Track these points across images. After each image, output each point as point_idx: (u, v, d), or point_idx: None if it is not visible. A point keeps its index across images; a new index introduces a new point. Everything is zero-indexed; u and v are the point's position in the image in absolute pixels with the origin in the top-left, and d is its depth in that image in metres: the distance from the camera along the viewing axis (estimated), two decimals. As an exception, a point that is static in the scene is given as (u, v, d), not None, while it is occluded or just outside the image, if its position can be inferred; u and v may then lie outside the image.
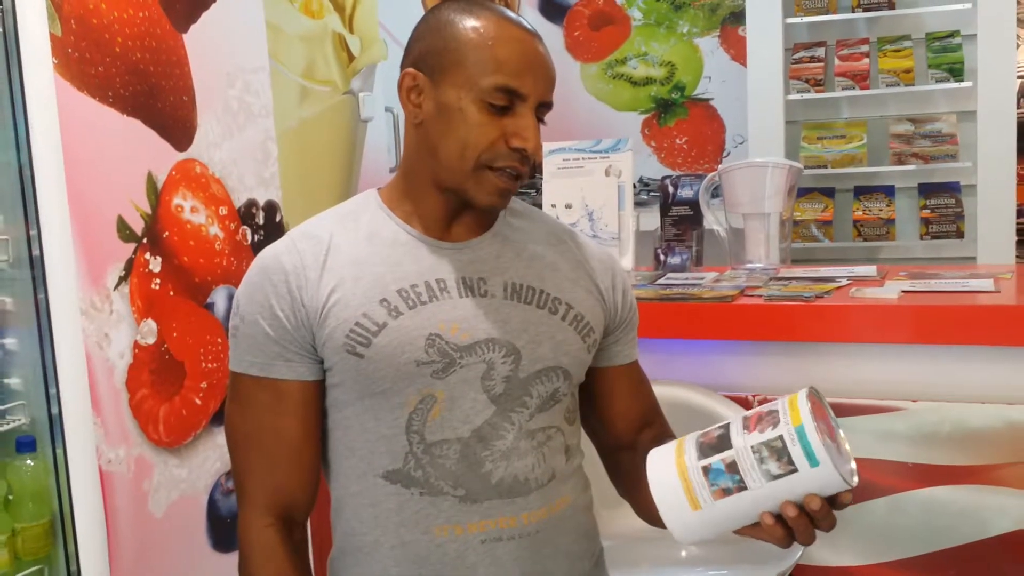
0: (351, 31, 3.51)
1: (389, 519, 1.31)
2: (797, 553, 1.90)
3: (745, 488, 1.09)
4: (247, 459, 1.34)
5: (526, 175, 1.30)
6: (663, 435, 1.48)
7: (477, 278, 1.34)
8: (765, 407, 1.12)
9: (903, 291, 2.16)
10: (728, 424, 1.13)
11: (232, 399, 1.36)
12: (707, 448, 1.12)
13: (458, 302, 1.32)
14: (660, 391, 1.58)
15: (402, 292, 1.31)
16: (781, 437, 1.07)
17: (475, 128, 1.28)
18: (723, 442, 1.11)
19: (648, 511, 1.33)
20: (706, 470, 1.11)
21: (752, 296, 2.25)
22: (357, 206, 1.40)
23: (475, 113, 1.28)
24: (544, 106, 1.30)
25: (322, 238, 1.35)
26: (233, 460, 1.37)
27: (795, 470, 1.06)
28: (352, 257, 1.33)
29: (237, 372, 1.35)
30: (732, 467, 1.09)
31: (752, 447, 1.08)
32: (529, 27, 1.33)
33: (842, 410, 2.03)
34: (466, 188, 1.31)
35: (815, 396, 1.11)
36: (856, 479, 1.09)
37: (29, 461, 1.89)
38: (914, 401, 2.01)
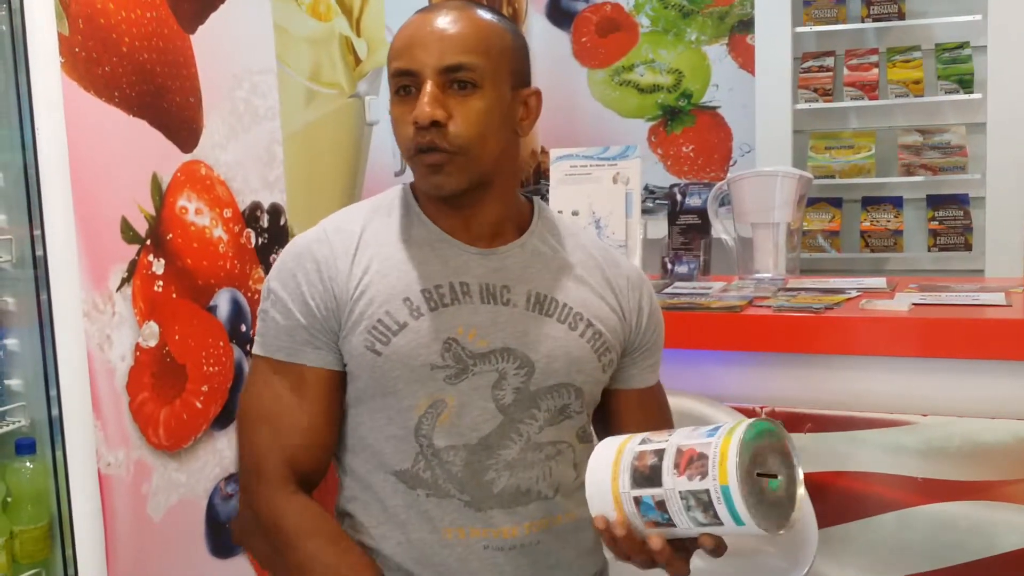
0: (358, 34, 3.50)
1: (397, 516, 1.32)
2: (805, 567, 1.88)
3: (674, 526, 1.09)
4: (261, 438, 1.33)
5: (443, 145, 1.26)
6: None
7: (501, 286, 1.33)
8: (699, 444, 1.08)
9: (914, 304, 2.15)
10: (662, 452, 1.10)
11: (253, 382, 1.36)
12: (640, 478, 1.11)
13: (479, 308, 1.31)
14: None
15: (426, 292, 1.30)
16: (707, 492, 1.05)
17: (394, 123, 1.30)
18: (654, 476, 1.10)
19: None
20: (637, 501, 1.11)
21: (760, 307, 2.23)
22: (390, 201, 1.40)
23: (392, 107, 1.31)
24: (450, 70, 1.26)
25: (353, 231, 1.34)
26: (246, 441, 1.35)
27: (720, 524, 1.06)
28: (381, 252, 1.32)
29: (263, 356, 1.34)
30: (661, 506, 1.09)
31: (680, 492, 1.07)
32: (442, 7, 1.31)
33: (851, 423, 2.01)
34: (418, 183, 1.32)
35: (757, 437, 1.07)
36: (792, 526, 1.08)
37: (28, 463, 1.88)
38: (924, 415, 1.99)
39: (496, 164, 1.33)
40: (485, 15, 1.32)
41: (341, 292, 1.30)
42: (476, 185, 1.31)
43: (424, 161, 1.28)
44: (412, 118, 1.25)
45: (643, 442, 1.13)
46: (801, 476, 1.10)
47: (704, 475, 1.05)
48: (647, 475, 1.10)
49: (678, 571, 1.15)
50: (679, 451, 1.09)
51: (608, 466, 1.15)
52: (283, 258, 1.36)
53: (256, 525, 1.34)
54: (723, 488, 1.04)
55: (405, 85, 1.28)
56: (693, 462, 1.07)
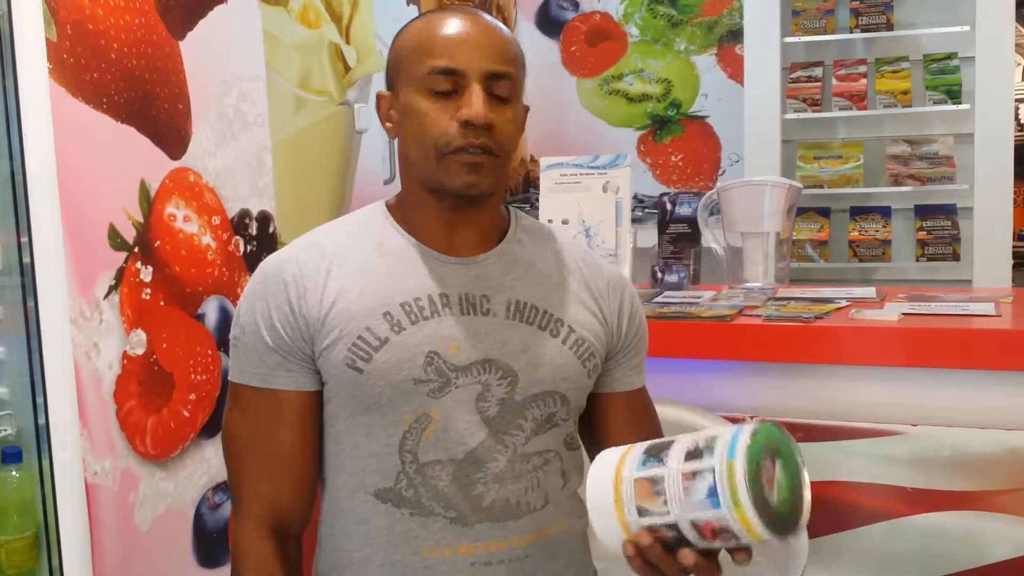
0: (347, 42, 3.49)
1: (379, 537, 1.29)
2: (794, 578, 1.87)
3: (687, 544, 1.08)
4: (244, 469, 1.33)
5: (491, 147, 1.27)
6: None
7: (480, 295, 1.32)
8: (712, 517, 1.05)
9: (903, 313, 2.14)
10: (676, 526, 1.08)
11: (231, 409, 1.34)
12: (670, 548, 1.09)
13: (459, 319, 1.30)
14: (657, 411, 1.55)
15: (405, 306, 1.29)
16: (748, 547, 1.06)
17: (426, 118, 1.27)
18: (684, 544, 1.08)
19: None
20: (640, 511, 1.09)
21: (750, 316, 2.22)
22: (365, 217, 1.39)
23: (422, 103, 1.28)
24: (494, 77, 1.27)
25: (327, 248, 1.33)
26: (229, 470, 1.35)
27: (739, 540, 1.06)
28: (358, 268, 1.31)
29: (237, 383, 1.33)
30: (673, 528, 1.08)
31: (717, 545, 1.07)
32: (469, 10, 1.31)
33: (841, 433, 2.01)
34: (439, 180, 1.29)
35: (755, 482, 1.04)
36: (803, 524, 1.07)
37: (14, 472, 1.86)
38: (913, 425, 1.99)
39: (507, 172, 1.34)
40: (504, 27, 1.33)
41: (312, 311, 1.29)
42: (492, 190, 1.32)
43: (464, 159, 1.26)
44: (464, 116, 1.24)
45: (642, 512, 1.10)
46: (805, 476, 1.09)
47: (738, 539, 1.05)
48: (675, 545, 1.09)
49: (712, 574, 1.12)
50: (696, 526, 1.06)
51: (621, 543, 1.13)
52: (252, 281, 1.35)
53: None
54: (759, 542, 1.04)
55: (448, 89, 1.27)
56: (719, 534, 1.06)
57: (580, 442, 1.43)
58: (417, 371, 1.27)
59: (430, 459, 1.28)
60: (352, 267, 1.31)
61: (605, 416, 1.46)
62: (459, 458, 1.28)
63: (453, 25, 1.29)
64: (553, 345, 1.33)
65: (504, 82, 1.28)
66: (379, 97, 1.36)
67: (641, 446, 1.13)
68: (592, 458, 1.49)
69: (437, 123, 1.26)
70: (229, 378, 1.35)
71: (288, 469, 1.31)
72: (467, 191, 1.28)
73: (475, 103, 1.25)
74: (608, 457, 1.15)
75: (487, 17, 1.32)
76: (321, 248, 1.33)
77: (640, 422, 1.48)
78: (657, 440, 1.12)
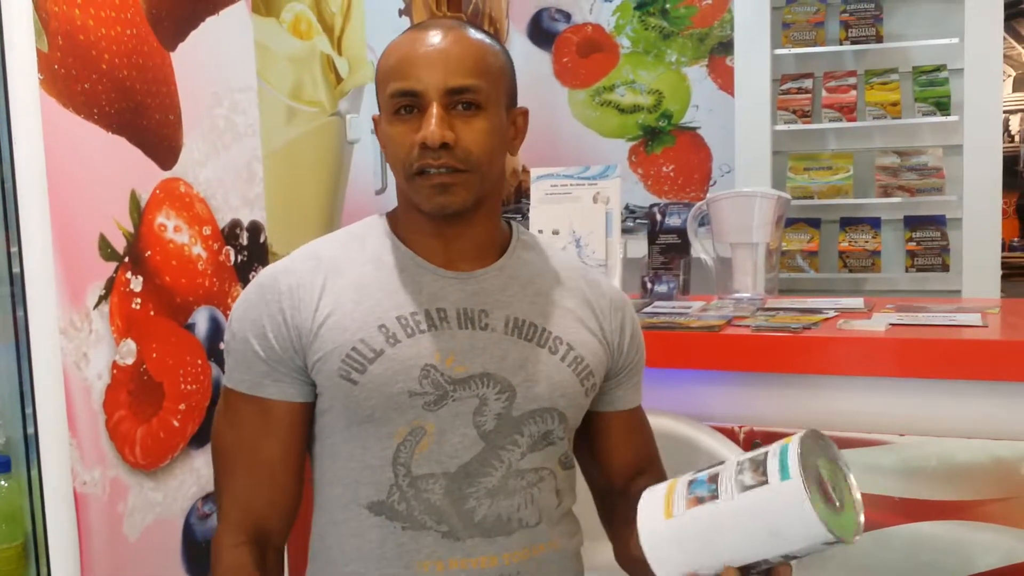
0: (339, 52, 3.50)
1: (372, 551, 1.29)
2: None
3: (717, 498, 1.05)
4: (226, 474, 1.33)
5: (455, 164, 1.26)
6: (656, 484, 1.45)
7: (479, 310, 1.31)
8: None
9: (891, 324, 2.16)
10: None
11: (220, 412, 1.35)
12: (702, 469, 1.10)
13: (457, 333, 1.29)
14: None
15: (401, 319, 1.28)
16: (766, 452, 1.05)
17: (394, 142, 1.28)
18: (717, 461, 1.10)
19: (627, 557, 1.32)
20: (691, 482, 1.09)
21: (739, 326, 2.23)
22: (364, 229, 1.39)
23: (390, 127, 1.29)
24: (456, 92, 1.26)
25: (324, 259, 1.33)
26: (215, 474, 1.36)
27: (766, 482, 1.02)
28: (354, 281, 1.31)
29: (227, 387, 1.34)
30: (713, 479, 1.07)
31: (738, 461, 1.07)
32: (438, 24, 1.30)
33: (829, 443, 2.02)
34: (416, 202, 1.30)
35: (822, 444, 1.08)
36: (839, 536, 1.01)
37: (3, 482, 1.86)
38: (901, 435, 2.00)
39: (493, 184, 1.33)
40: (480, 35, 1.32)
41: (304, 322, 1.29)
42: (473, 204, 1.31)
43: (430, 181, 1.26)
44: (420, 139, 1.24)
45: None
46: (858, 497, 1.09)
47: (771, 446, 1.06)
48: (711, 464, 1.10)
49: None
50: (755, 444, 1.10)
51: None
52: (248, 289, 1.35)
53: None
54: (783, 446, 1.04)
55: (406, 105, 1.27)
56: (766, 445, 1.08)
57: (575, 462, 1.43)
58: (412, 384, 1.26)
59: (423, 472, 1.27)
60: (348, 280, 1.31)
61: (602, 434, 1.46)
62: (452, 471, 1.28)
63: (413, 44, 1.28)
64: (551, 362, 1.33)
65: (470, 95, 1.26)
66: (373, 119, 1.36)
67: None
68: (585, 473, 1.49)
69: (402, 146, 1.27)
70: (222, 381, 1.35)
71: (269, 478, 1.31)
72: (440, 212, 1.28)
73: (428, 124, 1.24)
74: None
75: (458, 28, 1.30)
76: (318, 260, 1.33)
77: (636, 439, 1.48)
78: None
